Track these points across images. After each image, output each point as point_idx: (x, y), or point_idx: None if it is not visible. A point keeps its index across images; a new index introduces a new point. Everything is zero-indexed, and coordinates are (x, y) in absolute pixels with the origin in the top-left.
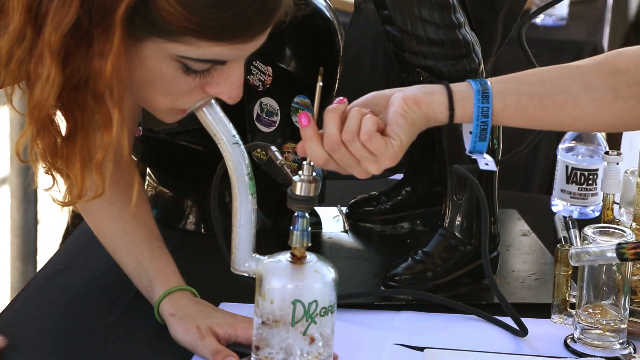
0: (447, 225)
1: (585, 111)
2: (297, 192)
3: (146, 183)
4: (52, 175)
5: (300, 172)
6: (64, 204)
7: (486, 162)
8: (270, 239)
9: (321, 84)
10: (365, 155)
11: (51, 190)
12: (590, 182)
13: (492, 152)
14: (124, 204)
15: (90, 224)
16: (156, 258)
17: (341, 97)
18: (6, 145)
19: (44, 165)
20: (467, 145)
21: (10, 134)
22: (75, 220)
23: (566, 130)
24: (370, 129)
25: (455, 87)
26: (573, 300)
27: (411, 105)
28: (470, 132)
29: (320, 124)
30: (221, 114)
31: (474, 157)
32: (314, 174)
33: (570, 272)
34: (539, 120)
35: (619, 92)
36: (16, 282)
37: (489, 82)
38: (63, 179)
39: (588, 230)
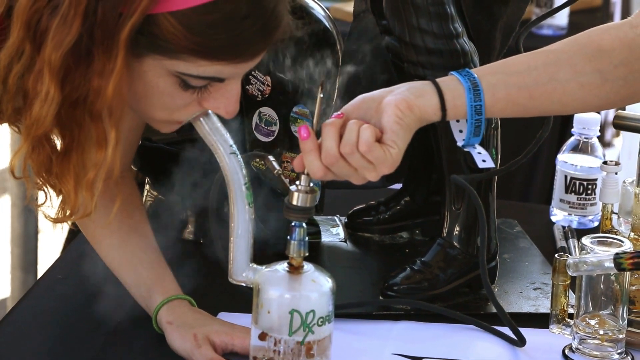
0: (445, 235)
1: (574, 97)
2: (294, 202)
3: (145, 192)
4: (44, 191)
5: (297, 182)
6: (55, 221)
7: (483, 159)
8: None
9: (321, 95)
10: (364, 165)
11: (44, 206)
12: (589, 192)
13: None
14: (122, 216)
15: (88, 236)
16: (155, 267)
17: (339, 112)
18: (7, 156)
19: (38, 181)
20: (459, 140)
21: (12, 144)
22: (75, 230)
23: (553, 114)
24: (369, 139)
25: (444, 85)
26: (571, 310)
27: (404, 110)
28: (461, 131)
29: (319, 135)
30: (218, 123)
31: (467, 150)
32: (312, 184)
33: (568, 282)
34: (528, 110)
35: (606, 74)
36: (17, 291)
37: (477, 76)
38: (56, 195)
39: (586, 240)
